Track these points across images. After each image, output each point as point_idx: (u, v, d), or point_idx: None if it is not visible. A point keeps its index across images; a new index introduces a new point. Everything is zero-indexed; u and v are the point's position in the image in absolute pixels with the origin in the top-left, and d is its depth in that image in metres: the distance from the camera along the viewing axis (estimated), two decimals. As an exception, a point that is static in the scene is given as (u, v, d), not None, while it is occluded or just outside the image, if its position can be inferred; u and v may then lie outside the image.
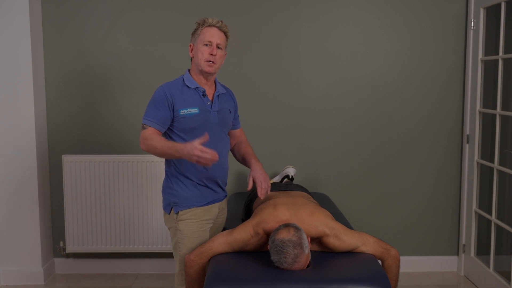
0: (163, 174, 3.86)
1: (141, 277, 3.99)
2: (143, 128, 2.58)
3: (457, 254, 4.10)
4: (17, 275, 3.87)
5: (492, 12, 3.88)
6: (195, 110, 2.59)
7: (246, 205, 3.01)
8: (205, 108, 2.62)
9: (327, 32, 3.92)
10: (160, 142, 2.49)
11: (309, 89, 3.96)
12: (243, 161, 2.84)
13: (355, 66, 3.95)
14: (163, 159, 3.84)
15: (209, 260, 2.51)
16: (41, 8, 3.88)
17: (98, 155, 3.87)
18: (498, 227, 3.94)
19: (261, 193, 2.62)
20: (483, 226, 4.04)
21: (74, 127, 3.98)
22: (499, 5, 3.64)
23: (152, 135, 2.52)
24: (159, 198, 3.88)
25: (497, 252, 3.99)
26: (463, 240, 4.00)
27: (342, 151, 4.00)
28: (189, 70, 2.70)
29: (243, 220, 3.00)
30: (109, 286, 3.84)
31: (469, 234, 3.92)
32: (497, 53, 3.89)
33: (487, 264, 3.72)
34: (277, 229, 2.32)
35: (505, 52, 3.82)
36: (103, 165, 3.86)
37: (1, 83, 3.74)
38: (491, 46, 3.91)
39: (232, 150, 2.91)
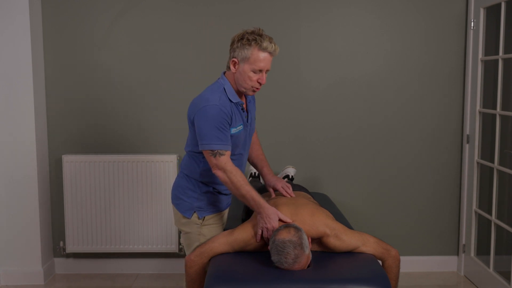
0: (163, 174, 3.86)
1: (141, 277, 3.99)
2: (219, 154, 2.42)
3: (457, 254, 4.10)
4: (17, 275, 3.87)
5: (492, 12, 3.88)
6: (241, 127, 2.53)
7: (246, 206, 3.00)
8: (245, 123, 2.57)
9: (327, 32, 3.92)
10: (247, 186, 2.42)
11: (309, 89, 3.96)
12: (253, 164, 2.86)
13: (355, 66, 3.95)
14: (164, 160, 3.84)
15: (209, 260, 2.51)
16: (41, 8, 3.88)
17: (98, 155, 3.87)
18: (498, 227, 3.93)
19: (291, 195, 2.69)
20: (483, 226, 4.04)
21: (74, 127, 3.97)
22: (499, 5, 3.64)
23: (238, 171, 2.43)
24: (159, 198, 3.88)
25: (497, 252, 3.99)
26: (463, 240, 4.00)
27: (342, 151, 4.00)
28: (225, 74, 2.54)
29: (243, 220, 2.99)
30: (109, 286, 3.83)
31: (469, 234, 3.92)
32: (497, 53, 3.89)
33: (487, 264, 3.72)
34: (278, 230, 2.32)
35: (505, 52, 3.82)
36: (103, 165, 3.86)
37: (1, 83, 3.74)
38: (491, 46, 3.90)
39: None
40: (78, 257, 4.06)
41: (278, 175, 3.77)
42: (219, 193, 2.66)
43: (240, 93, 2.53)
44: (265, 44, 2.37)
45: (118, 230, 3.91)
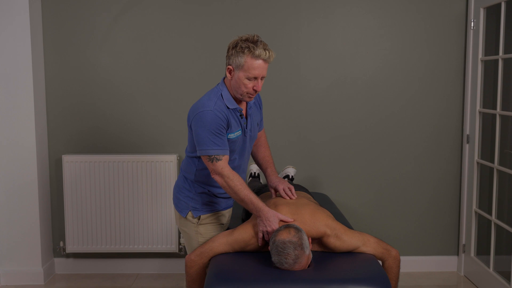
0: (163, 174, 3.86)
1: (141, 277, 3.99)
2: (216, 159, 2.43)
3: (457, 254, 4.10)
4: (17, 275, 3.87)
5: (492, 12, 3.88)
6: (239, 133, 2.53)
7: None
8: (244, 129, 2.57)
9: (327, 32, 3.92)
10: (245, 190, 2.44)
11: (309, 89, 3.96)
12: (258, 164, 2.85)
13: (355, 66, 3.94)
14: (164, 160, 3.84)
15: (210, 260, 2.51)
16: (41, 8, 3.88)
17: (98, 155, 3.87)
18: (498, 227, 3.93)
19: (291, 197, 2.64)
20: (483, 226, 4.04)
21: (74, 127, 3.97)
22: (499, 5, 3.64)
23: (235, 176, 2.44)
24: (159, 198, 3.88)
25: (497, 252, 3.99)
26: (463, 240, 4.00)
27: (342, 151, 4.00)
28: (224, 80, 2.54)
29: (243, 220, 3.00)
30: (109, 286, 3.83)
31: (469, 234, 3.92)
32: (497, 53, 3.89)
33: (487, 264, 3.72)
34: (278, 230, 2.32)
35: (505, 52, 3.82)
36: (103, 165, 3.86)
37: (1, 83, 3.73)
38: (491, 46, 3.91)
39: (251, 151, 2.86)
40: (78, 257, 4.06)
41: (278, 175, 3.77)
42: (215, 196, 2.66)
43: (238, 100, 2.53)
44: (258, 51, 2.36)
45: (118, 230, 3.91)
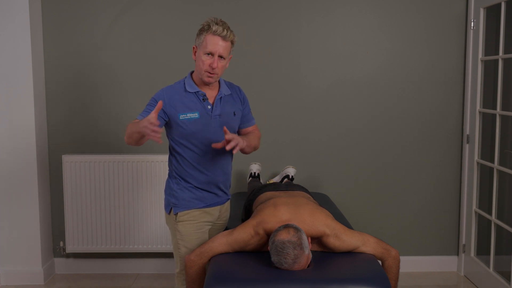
0: (163, 174, 3.86)
1: (141, 277, 3.99)
2: None
3: (457, 254, 4.10)
4: (17, 275, 3.87)
5: (492, 12, 3.88)
6: (195, 115, 2.56)
7: (245, 206, 3.01)
8: (206, 113, 2.58)
9: (327, 32, 3.92)
10: (129, 129, 2.44)
11: (309, 89, 3.96)
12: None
13: (355, 66, 3.95)
14: (163, 160, 3.84)
15: (209, 260, 2.51)
16: (41, 8, 3.88)
17: (98, 155, 3.87)
18: (498, 227, 3.94)
19: (229, 146, 2.42)
20: (483, 226, 4.04)
21: (74, 127, 3.97)
22: (499, 5, 3.64)
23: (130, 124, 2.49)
24: (159, 198, 3.88)
25: (497, 252, 3.99)
26: (463, 240, 4.00)
27: (342, 151, 4.00)
28: (191, 73, 2.66)
29: (243, 221, 3.00)
30: (109, 286, 3.84)
31: (469, 234, 3.92)
32: (497, 53, 3.89)
33: (487, 264, 3.72)
34: (277, 230, 2.32)
35: (505, 52, 3.82)
36: (103, 165, 3.86)
37: (1, 83, 3.73)
38: (491, 46, 3.91)
39: None
40: (78, 257, 4.07)
41: (278, 175, 3.77)
42: (195, 187, 2.64)
43: (204, 85, 2.59)
44: (215, 27, 2.46)
45: (118, 230, 3.91)
